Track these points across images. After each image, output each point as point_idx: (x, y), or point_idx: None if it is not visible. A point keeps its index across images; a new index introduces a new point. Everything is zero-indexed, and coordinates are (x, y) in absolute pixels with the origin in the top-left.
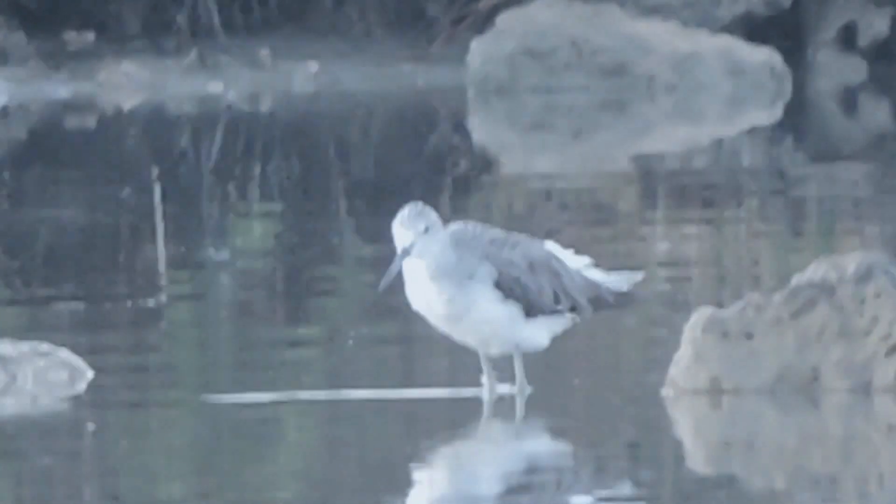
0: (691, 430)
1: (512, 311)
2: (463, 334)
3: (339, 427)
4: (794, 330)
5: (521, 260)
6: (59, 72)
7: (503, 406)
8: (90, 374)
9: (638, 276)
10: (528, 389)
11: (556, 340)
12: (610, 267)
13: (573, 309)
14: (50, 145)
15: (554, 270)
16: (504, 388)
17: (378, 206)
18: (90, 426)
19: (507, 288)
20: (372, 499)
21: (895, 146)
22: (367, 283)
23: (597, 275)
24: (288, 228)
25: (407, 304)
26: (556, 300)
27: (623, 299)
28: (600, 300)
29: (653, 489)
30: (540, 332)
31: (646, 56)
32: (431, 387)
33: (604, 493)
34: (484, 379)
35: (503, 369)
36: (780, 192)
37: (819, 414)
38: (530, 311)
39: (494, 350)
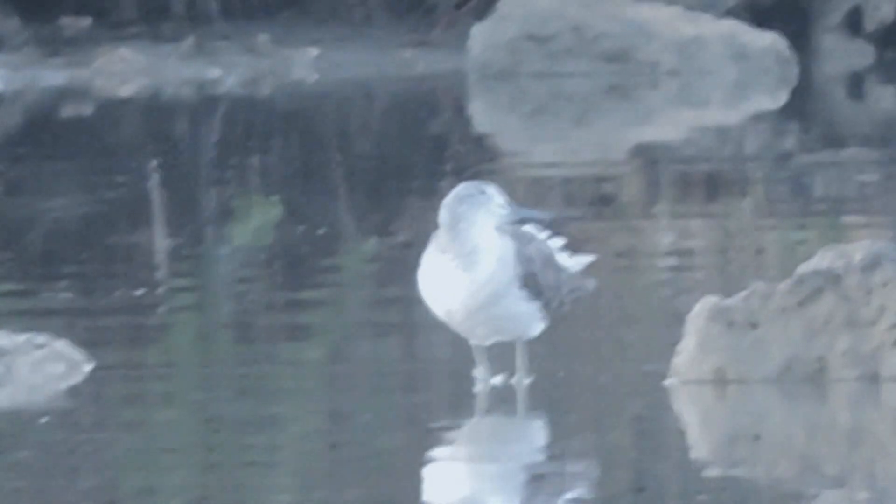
0: (696, 421)
1: (533, 308)
2: (479, 323)
3: (339, 420)
4: (800, 319)
5: (538, 256)
6: (55, 58)
7: (501, 397)
8: (87, 366)
9: (589, 258)
10: (529, 379)
11: (559, 330)
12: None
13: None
14: (46, 132)
15: (556, 268)
16: (497, 380)
17: (378, 192)
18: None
19: (530, 286)
20: (373, 493)
21: None
22: (366, 269)
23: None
24: (288, 215)
25: (407, 291)
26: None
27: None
28: (577, 297)
29: (657, 482)
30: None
31: (649, 41)
32: (433, 373)
33: (607, 485)
34: (477, 371)
35: (495, 360)
36: (785, 178)
37: (826, 404)
38: (546, 308)
39: (500, 339)
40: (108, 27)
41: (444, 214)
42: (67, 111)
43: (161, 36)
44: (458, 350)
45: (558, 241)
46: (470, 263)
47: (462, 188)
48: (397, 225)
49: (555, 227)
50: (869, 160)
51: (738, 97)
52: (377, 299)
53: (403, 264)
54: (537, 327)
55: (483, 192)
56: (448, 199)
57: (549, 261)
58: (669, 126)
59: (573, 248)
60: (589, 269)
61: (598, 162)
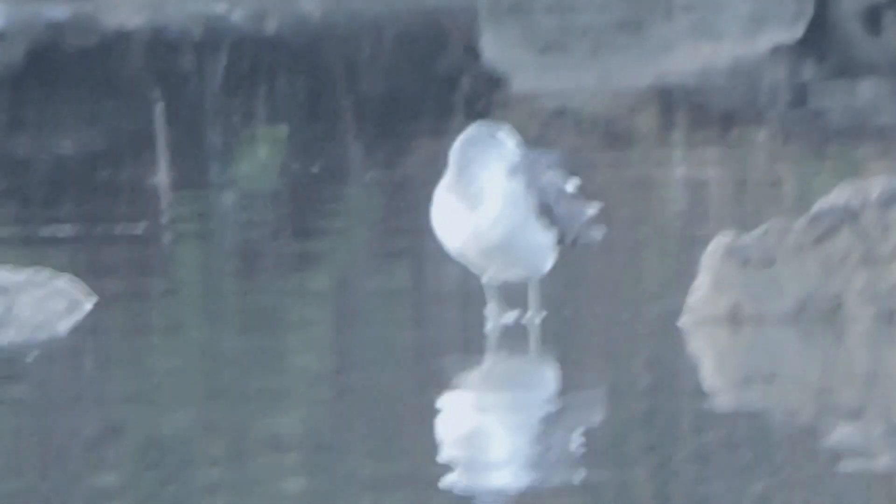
0: (711, 360)
1: (550, 239)
2: (493, 260)
3: (346, 355)
4: (816, 256)
5: (551, 187)
6: None
7: (513, 334)
8: (89, 303)
9: (596, 206)
10: (541, 317)
11: (572, 267)
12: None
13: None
14: (49, 67)
15: (569, 198)
16: (509, 317)
17: (387, 128)
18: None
19: (546, 215)
20: (382, 430)
21: None
22: (374, 204)
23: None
24: (294, 150)
25: (416, 225)
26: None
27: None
28: (587, 240)
29: (671, 421)
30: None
31: None
32: (442, 308)
33: (620, 424)
34: (489, 308)
35: (507, 298)
36: (802, 113)
37: (842, 342)
38: (561, 239)
39: (513, 277)
40: None
41: (454, 156)
42: (71, 45)
43: None
44: (470, 286)
45: (571, 183)
46: (476, 204)
47: (474, 130)
48: (405, 160)
49: (566, 169)
50: (886, 93)
51: (754, 30)
52: (385, 234)
53: (412, 199)
54: (549, 261)
55: (495, 136)
56: (459, 141)
57: (562, 191)
58: (684, 60)
59: (584, 192)
60: (601, 209)
61: (611, 97)
